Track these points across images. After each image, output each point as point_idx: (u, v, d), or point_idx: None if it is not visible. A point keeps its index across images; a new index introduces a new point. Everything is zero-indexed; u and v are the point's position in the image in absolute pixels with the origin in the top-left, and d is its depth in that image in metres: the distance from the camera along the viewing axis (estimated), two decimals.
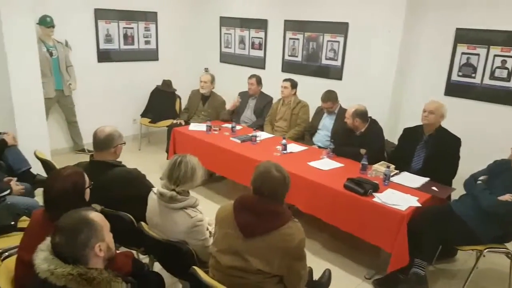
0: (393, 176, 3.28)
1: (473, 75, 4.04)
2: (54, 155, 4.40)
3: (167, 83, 6.01)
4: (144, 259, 2.70)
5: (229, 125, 4.56)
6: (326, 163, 3.60)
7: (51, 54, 4.86)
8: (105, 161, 2.58)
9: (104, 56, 5.64)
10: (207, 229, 2.37)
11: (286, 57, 5.56)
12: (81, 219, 1.46)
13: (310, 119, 4.64)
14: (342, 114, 4.08)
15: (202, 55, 6.64)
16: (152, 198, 2.37)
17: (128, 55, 5.91)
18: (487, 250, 2.81)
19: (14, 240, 2.45)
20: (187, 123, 5.00)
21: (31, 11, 3.93)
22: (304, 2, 5.21)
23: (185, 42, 6.51)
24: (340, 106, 4.36)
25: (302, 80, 4.95)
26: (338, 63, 4.99)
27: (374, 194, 2.98)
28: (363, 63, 4.72)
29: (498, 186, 2.83)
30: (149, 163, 4.73)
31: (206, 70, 6.18)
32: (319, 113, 4.54)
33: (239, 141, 4.16)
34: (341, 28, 4.88)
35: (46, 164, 3.24)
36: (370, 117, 3.78)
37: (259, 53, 5.91)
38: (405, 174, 3.37)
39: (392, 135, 4.22)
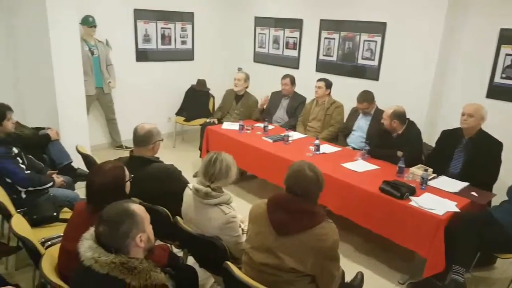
0: (430, 180, 3.19)
1: None
2: (94, 151, 4.57)
3: (201, 83, 6.11)
4: (179, 253, 2.76)
5: (261, 125, 4.58)
6: (361, 165, 3.54)
7: (92, 53, 5.04)
8: (144, 157, 2.66)
9: (142, 55, 5.80)
10: (240, 226, 2.40)
11: (321, 57, 5.51)
12: (123, 210, 1.52)
13: (345, 120, 4.58)
14: (378, 115, 4.00)
15: (236, 55, 6.70)
16: (188, 194, 2.42)
17: (165, 55, 6.04)
18: None
19: (56, 230, 2.58)
20: (220, 122, 5.06)
21: (76, 12, 4.09)
22: (341, 1, 5.15)
23: (219, 42, 6.59)
24: (376, 107, 4.27)
25: (337, 80, 4.90)
26: (375, 63, 4.90)
27: (411, 197, 2.91)
28: (401, 63, 4.61)
29: None
30: (182, 161, 4.81)
31: (240, 69, 6.23)
32: (354, 114, 4.47)
33: (271, 141, 4.17)
34: (379, 28, 4.79)
35: (86, 158, 3.38)
36: (408, 119, 3.69)
37: (293, 53, 5.90)
38: (443, 178, 3.27)
39: (430, 138, 4.10)
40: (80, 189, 3.41)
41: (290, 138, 4.14)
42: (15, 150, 2.94)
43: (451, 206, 2.81)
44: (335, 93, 4.66)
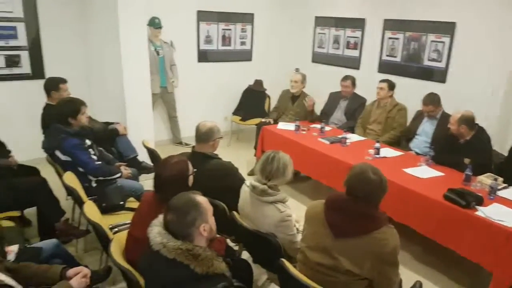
0: (500, 189, 2.97)
1: None
2: (156, 146, 4.77)
3: (259, 83, 6.18)
4: (234, 247, 2.82)
5: (318, 126, 4.54)
6: (424, 171, 3.39)
7: (158, 53, 5.29)
8: (204, 153, 2.76)
9: (203, 56, 6.00)
10: (295, 225, 2.40)
11: (384, 57, 5.34)
12: (190, 201, 1.62)
13: (408, 124, 4.39)
14: (444, 119, 3.80)
15: (293, 55, 6.68)
16: (245, 190, 2.47)
17: (225, 55, 6.19)
18: None
19: (123, 217, 2.77)
20: (276, 122, 5.07)
21: (144, 14, 4.32)
22: (406, 0, 4.95)
23: (277, 42, 6.61)
24: (442, 110, 4.05)
25: (401, 82, 4.72)
26: (442, 64, 4.65)
27: (478, 207, 2.74)
28: (471, 65, 4.34)
29: None
30: (237, 159, 4.85)
31: (297, 70, 6.21)
32: (418, 117, 4.27)
33: (328, 142, 4.11)
34: (447, 28, 4.54)
35: (151, 152, 3.57)
36: (477, 125, 3.46)
37: (354, 53, 5.77)
38: None
39: (502, 146, 3.82)
40: (144, 181, 3.63)
41: (348, 141, 4.06)
42: (88, 142, 3.18)
43: None
44: (398, 95, 4.49)
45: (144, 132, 4.20)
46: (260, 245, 2.32)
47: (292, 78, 5.07)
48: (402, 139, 4.35)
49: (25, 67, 4.66)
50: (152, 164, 3.79)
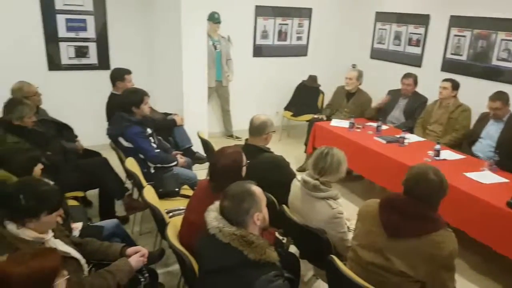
0: None
1: None
2: (209, 138, 4.91)
3: (312, 78, 6.12)
4: (282, 240, 2.84)
5: (373, 124, 4.40)
6: (487, 176, 3.19)
7: (215, 48, 5.41)
8: (257, 146, 2.80)
9: (258, 51, 6.04)
10: (345, 224, 2.37)
11: (448, 55, 5.06)
12: (246, 189, 1.68)
13: (471, 126, 4.14)
14: None
15: (350, 51, 6.50)
16: (296, 185, 2.48)
17: (280, 50, 6.19)
18: None
19: (177, 203, 2.90)
20: (329, 118, 4.99)
21: (205, 9, 4.43)
22: None
23: (334, 38, 6.49)
24: (510, 113, 3.76)
25: (465, 82, 4.45)
26: None
27: None
28: None
29: None
30: (286, 154, 4.85)
31: (354, 66, 6.07)
32: (483, 119, 4.00)
33: (384, 142, 3.99)
34: None
35: (205, 144, 3.68)
36: None
37: (416, 50, 5.52)
38: None
39: None
40: (197, 170, 3.76)
41: (406, 141, 3.90)
42: (149, 130, 3.34)
43: None
44: (462, 96, 4.24)
45: (199, 123, 4.31)
46: (309, 240, 2.31)
47: (347, 75, 4.96)
48: (463, 142, 4.10)
49: (92, 57, 4.97)
50: (205, 155, 3.90)
